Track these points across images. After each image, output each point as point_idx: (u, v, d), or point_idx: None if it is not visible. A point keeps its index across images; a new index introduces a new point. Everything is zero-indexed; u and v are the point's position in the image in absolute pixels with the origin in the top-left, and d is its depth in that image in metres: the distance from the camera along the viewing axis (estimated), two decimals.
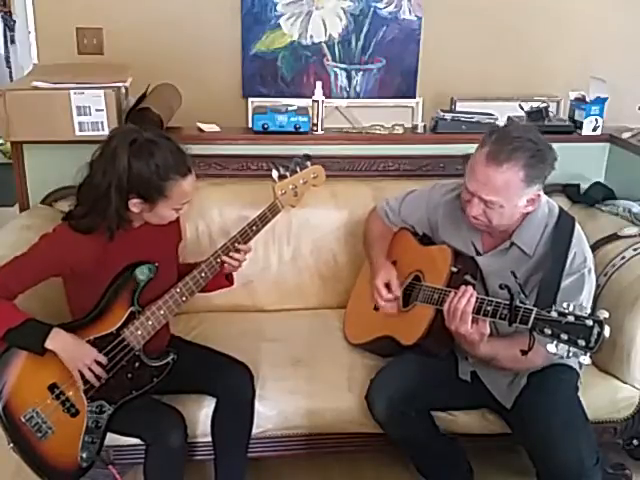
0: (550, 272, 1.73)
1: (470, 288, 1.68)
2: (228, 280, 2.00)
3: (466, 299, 1.66)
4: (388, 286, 1.97)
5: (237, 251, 1.89)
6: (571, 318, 1.47)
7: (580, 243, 1.79)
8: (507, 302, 1.59)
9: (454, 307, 1.67)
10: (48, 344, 1.63)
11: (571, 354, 1.46)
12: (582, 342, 1.44)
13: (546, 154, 1.70)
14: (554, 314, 1.50)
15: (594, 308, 1.78)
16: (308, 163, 2.06)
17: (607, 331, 1.44)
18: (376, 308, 2.08)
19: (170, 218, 1.77)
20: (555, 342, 1.47)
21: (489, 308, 1.64)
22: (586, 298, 1.75)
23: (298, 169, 2.04)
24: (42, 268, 1.70)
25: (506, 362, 1.77)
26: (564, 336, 1.46)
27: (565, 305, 1.50)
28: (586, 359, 1.45)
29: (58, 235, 1.72)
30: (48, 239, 1.72)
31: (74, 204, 1.74)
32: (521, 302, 1.57)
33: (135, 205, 1.69)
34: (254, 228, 1.93)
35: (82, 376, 1.68)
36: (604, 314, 1.45)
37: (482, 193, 1.70)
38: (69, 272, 1.72)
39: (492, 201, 1.70)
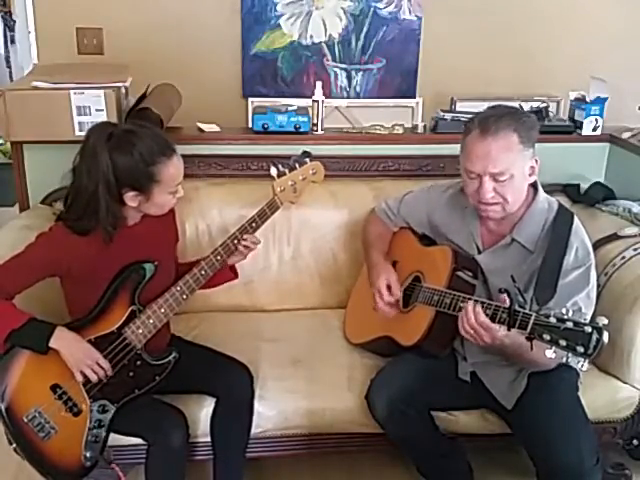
0: (548, 265, 1.74)
1: (468, 305, 1.65)
2: (232, 272, 2.01)
3: (472, 314, 1.63)
4: (389, 288, 1.96)
5: (244, 240, 1.90)
6: (570, 324, 1.46)
7: (581, 236, 1.80)
8: (506, 306, 1.58)
9: (471, 327, 1.64)
10: (52, 343, 1.63)
11: (569, 360, 1.46)
12: (581, 349, 1.43)
13: (528, 116, 1.77)
14: (553, 320, 1.48)
15: (596, 306, 1.78)
16: (307, 160, 2.06)
17: (606, 338, 1.43)
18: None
19: (169, 204, 1.77)
20: (554, 348, 1.46)
21: (488, 312, 1.63)
22: (593, 289, 1.76)
23: (297, 166, 2.04)
24: (39, 268, 1.70)
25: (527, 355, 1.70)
26: (563, 342, 1.45)
27: (564, 311, 1.49)
28: (585, 365, 1.44)
29: (54, 235, 1.72)
30: (44, 238, 1.72)
31: (64, 210, 1.74)
32: (520, 306, 1.57)
33: (131, 199, 1.69)
34: (253, 225, 1.94)
35: (83, 376, 1.68)
36: (603, 321, 1.45)
37: (489, 167, 1.70)
38: (66, 272, 1.72)
39: (501, 172, 1.70)
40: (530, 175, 1.77)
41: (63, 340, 1.65)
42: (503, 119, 1.71)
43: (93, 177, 1.64)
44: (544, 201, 1.84)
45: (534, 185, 1.84)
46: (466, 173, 1.77)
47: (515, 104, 2.65)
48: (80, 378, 1.67)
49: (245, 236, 1.90)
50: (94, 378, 1.68)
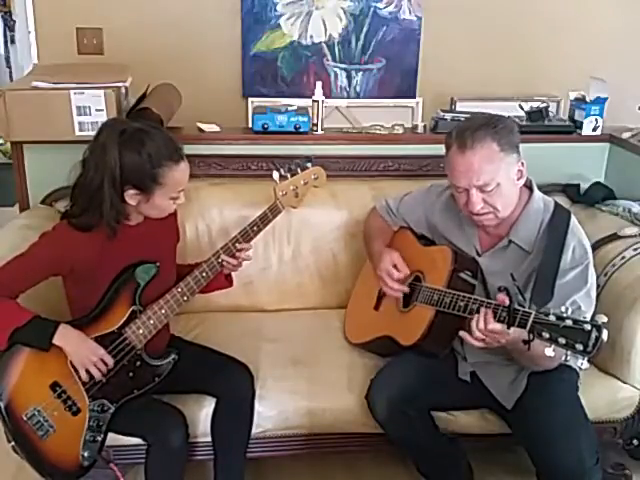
0: (546, 265, 1.73)
1: (472, 323, 1.64)
2: (228, 281, 2.00)
3: (482, 320, 1.62)
4: (395, 267, 1.95)
5: (239, 250, 1.89)
6: (569, 322, 1.46)
7: (578, 235, 1.79)
8: (505, 305, 1.58)
9: (483, 333, 1.62)
10: (56, 340, 1.63)
11: (569, 358, 1.46)
12: (580, 346, 1.43)
13: (504, 121, 1.74)
14: (552, 318, 1.48)
15: (596, 306, 1.78)
16: (309, 164, 2.06)
17: (605, 335, 1.43)
18: (376, 308, 2.09)
19: (168, 209, 1.77)
20: (553, 346, 1.46)
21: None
22: (592, 287, 1.76)
23: (299, 170, 2.04)
24: (42, 267, 1.70)
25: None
26: (562, 340, 1.45)
27: (563, 309, 1.49)
28: (584, 363, 1.44)
29: (58, 233, 1.73)
30: (48, 238, 1.72)
31: (69, 204, 1.75)
32: (520, 305, 1.57)
33: (131, 197, 1.69)
34: (255, 228, 1.94)
35: (87, 373, 1.68)
36: (602, 318, 1.45)
37: (473, 180, 1.70)
38: (69, 271, 1.72)
39: (487, 183, 1.70)
40: (518, 179, 1.77)
41: (67, 337, 1.65)
42: (479, 131, 1.70)
43: (100, 171, 1.65)
44: (539, 201, 1.84)
45: (529, 186, 1.84)
46: (454, 187, 1.78)
47: (515, 104, 2.69)
48: (85, 376, 1.68)
49: (239, 246, 1.89)
50: (98, 375, 1.68)
